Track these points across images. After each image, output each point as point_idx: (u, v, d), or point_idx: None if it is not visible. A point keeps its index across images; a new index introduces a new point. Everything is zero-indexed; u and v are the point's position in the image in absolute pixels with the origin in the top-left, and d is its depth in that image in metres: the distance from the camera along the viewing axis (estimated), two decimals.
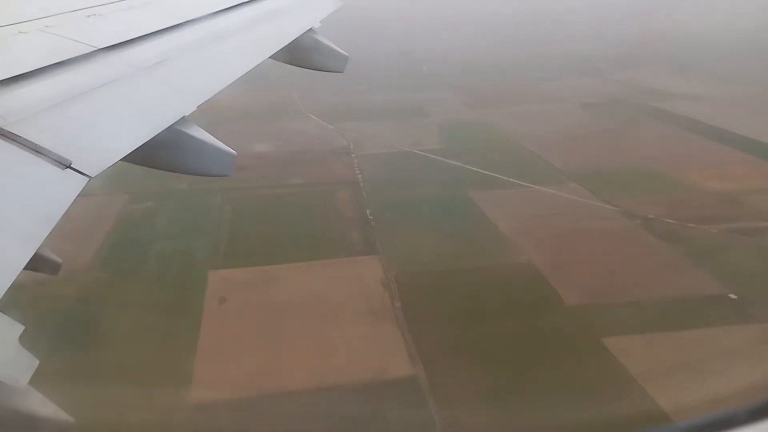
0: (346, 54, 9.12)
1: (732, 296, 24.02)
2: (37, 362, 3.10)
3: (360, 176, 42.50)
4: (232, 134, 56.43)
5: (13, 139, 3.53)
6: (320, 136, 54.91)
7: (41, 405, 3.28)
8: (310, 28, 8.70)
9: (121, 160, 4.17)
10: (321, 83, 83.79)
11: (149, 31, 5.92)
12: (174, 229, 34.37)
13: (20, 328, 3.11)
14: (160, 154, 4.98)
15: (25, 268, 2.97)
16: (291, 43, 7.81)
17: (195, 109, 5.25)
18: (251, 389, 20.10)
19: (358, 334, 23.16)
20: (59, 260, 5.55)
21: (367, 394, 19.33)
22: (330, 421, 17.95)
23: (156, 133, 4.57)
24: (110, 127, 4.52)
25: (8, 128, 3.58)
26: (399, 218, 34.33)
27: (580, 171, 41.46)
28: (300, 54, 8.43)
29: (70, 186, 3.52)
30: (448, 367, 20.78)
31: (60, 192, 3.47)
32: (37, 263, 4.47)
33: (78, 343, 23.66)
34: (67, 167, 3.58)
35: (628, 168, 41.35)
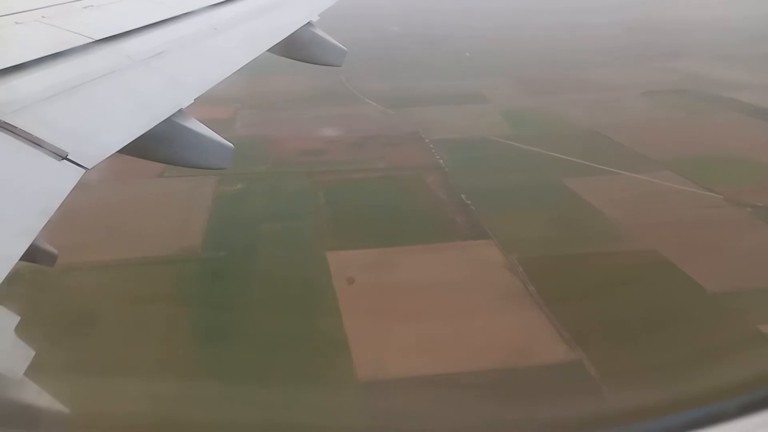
0: (344, 48, 8.87)
1: None
2: (32, 353, 2.98)
3: (441, 161, 41.99)
4: (293, 118, 56.28)
5: (9, 130, 3.41)
6: (384, 121, 54.36)
7: (36, 396, 3.13)
8: (309, 22, 8.43)
9: (118, 151, 4.04)
10: (364, 69, 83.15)
11: (146, 23, 5.72)
12: (274, 211, 34.14)
13: (16, 318, 3.01)
14: (157, 146, 4.81)
15: (21, 260, 2.85)
16: (289, 36, 7.56)
17: (192, 101, 5.03)
18: (413, 370, 19.92)
19: (501, 317, 22.76)
20: (55, 252, 5.36)
21: (534, 379, 19.04)
22: (516, 407, 17.24)
23: (153, 125, 4.42)
24: (107, 119, 4.37)
25: (5, 119, 3.46)
26: (497, 203, 33.87)
27: (669, 158, 40.29)
28: (298, 47, 8.20)
29: (67, 177, 3.40)
30: (608, 351, 20.24)
31: (56, 183, 3.34)
32: (33, 254, 4.30)
33: (235, 319, 23.48)
34: (63, 158, 3.46)
35: (714, 155, 40.23)
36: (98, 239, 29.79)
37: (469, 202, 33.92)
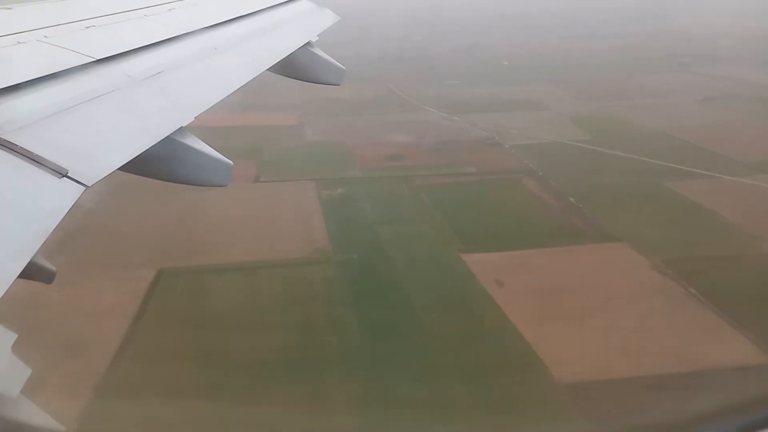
0: (342, 67, 8.72)
1: None
2: (29, 371, 2.90)
3: (531, 166, 41.62)
4: (360, 125, 55.87)
5: (10, 148, 3.34)
6: (453, 127, 54.03)
7: (33, 415, 3.03)
8: (308, 42, 8.32)
9: (118, 169, 3.94)
10: (406, 77, 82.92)
11: (147, 43, 5.62)
12: (385, 214, 33.77)
13: (13, 336, 2.91)
14: (158, 164, 4.70)
15: (19, 277, 2.76)
16: (288, 56, 7.45)
17: (193, 120, 4.91)
18: (609, 372, 19.42)
19: (674, 319, 22.49)
20: (53, 269, 5.23)
21: (736, 379, 19.05)
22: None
23: (153, 143, 4.32)
24: (108, 137, 4.27)
25: (5, 137, 3.39)
26: (608, 206, 33.53)
27: (755, 160, 40.44)
28: (297, 67, 8.08)
29: (67, 195, 3.33)
30: None
31: (56, 201, 3.27)
32: (31, 272, 4.15)
33: (401, 320, 22.97)
34: (63, 176, 3.40)
35: None
36: (230, 241, 29.34)
37: (581, 205, 33.55)
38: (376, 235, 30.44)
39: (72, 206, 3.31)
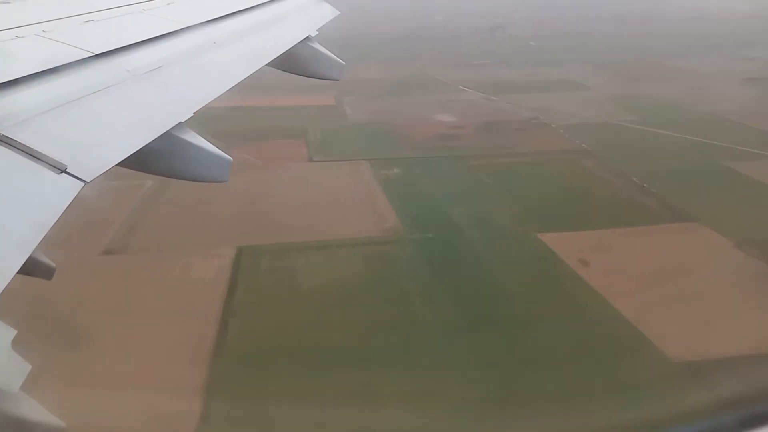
0: (342, 62, 8.63)
1: None
2: (29, 367, 2.83)
3: (584, 146, 41.14)
4: (401, 105, 55.16)
5: (8, 143, 3.29)
6: (495, 107, 53.40)
7: (33, 410, 2.99)
8: (307, 36, 8.18)
9: (117, 164, 3.87)
10: (434, 57, 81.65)
11: (146, 38, 5.53)
12: (448, 193, 33.39)
13: (12, 332, 2.85)
14: (157, 159, 4.62)
15: (18, 272, 2.72)
16: (287, 51, 7.33)
17: (192, 115, 4.83)
18: (723, 350, 19.32)
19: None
20: (53, 264, 5.16)
21: None
22: None
23: (152, 139, 4.25)
24: (106, 132, 4.20)
25: (4, 132, 3.34)
26: (674, 186, 33.10)
27: None
28: (297, 62, 7.96)
29: (65, 190, 3.27)
30: None
31: (55, 196, 3.22)
32: (31, 267, 4.09)
33: (494, 297, 22.79)
34: (62, 171, 3.34)
35: None
36: (299, 220, 29.21)
37: (645, 185, 33.20)
38: (445, 214, 30.11)
39: (71, 202, 3.25)
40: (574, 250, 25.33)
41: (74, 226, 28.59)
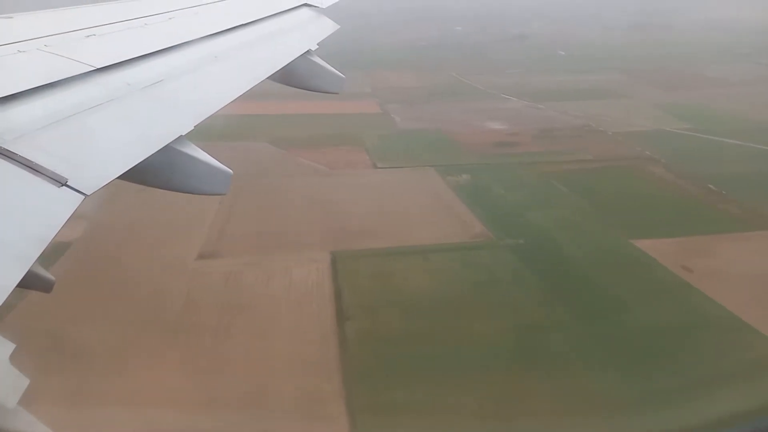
0: (342, 76, 8.61)
1: None
2: (27, 382, 2.81)
3: (648, 153, 41.13)
4: (448, 112, 55.30)
5: (9, 157, 3.27)
6: (543, 115, 53.39)
7: (30, 426, 2.96)
8: (308, 50, 8.18)
9: (117, 178, 3.84)
10: (465, 66, 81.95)
11: (147, 52, 5.51)
12: (524, 199, 33.17)
13: (11, 346, 2.80)
14: (157, 172, 4.59)
15: (18, 286, 2.70)
16: (288, 64, 7.33)
17: (192, 128, 4.80)
18: None
19: None
20: (52, 278, 5.07)
21: None
22: None
23: (153, 152, 4.23)
24: (107, 146, 4.17)
25: (5, 146, 3.32)
26: (754, 193, 32.74)
27: None
28: (297, 75, 7.94)
29: (65, 204, 3.26)
30: None
31: (55, 209, 3.20)
32: (30, 281, 4.04)
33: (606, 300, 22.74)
34: (63, 185, 3.33)
35: None
36: (384, 225, 29.21)
37: (724, 192, 33.11)
38: (529, 220, 30.00)
39: (72, 215, 3.22)
40: (674, 257, 25.09)
41: (160, 230, 28.68)
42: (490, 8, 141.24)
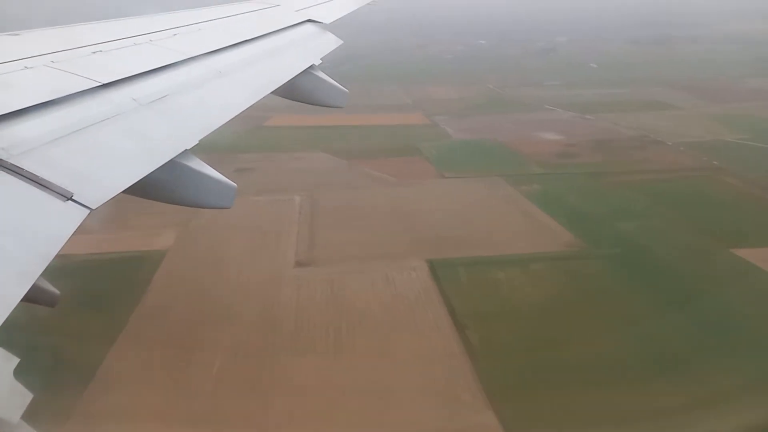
0: (345, 90, 8.54)
1: None
2: (30, 396, 2.79)
3: (716, 163, 40.80)
4: (499, 124, 55.22)
5: (15, 172, 3.26)
6: (595, 126, 53.00)
7: None
8: (311, 65, 8.12)
9: (123, 192, 3.79)
10: (500, 78, 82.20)
11: (153, 67, 5.49)
12: (608, 209, 32.73)
13: (15, 361, 2.78)
14: (162, 186, 4.54)
15: (22, 300, 2.66)
16: (291, 79, 7.29)
17: (197, 143, 4.73)
18: None
19: None
20: (57, 292, 5.02)
21: None
22: None
23: (158, 166, 4.20)
24: (113, 160, 4.14)
25: (11, 160, 3.31)
26: None
27: None
28: (300, 90, 7.90)
29: (71, 218, 3.22)
30: None
31: (61, 224, 3.17)
32: (35, 295, 4.02)
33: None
34: (68, 199, 3.31)
35: None
36: (470, 234, 28.97)
37: None
38: (619, 230, 29.57)
39: (76, 229, 3.16)
40: None
41: (247, 239, 28.54)
42: (507, 23, 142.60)
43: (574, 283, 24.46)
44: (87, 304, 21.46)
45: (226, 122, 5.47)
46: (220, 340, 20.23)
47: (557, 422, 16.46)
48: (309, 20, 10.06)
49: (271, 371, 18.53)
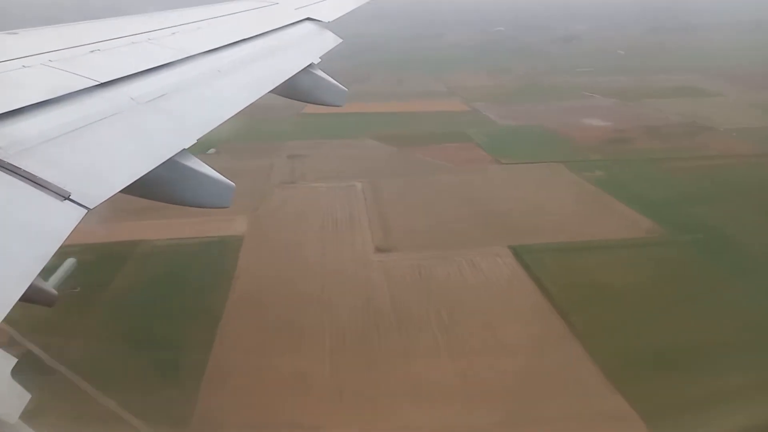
0: (344, 89, 8.47)
1: None
2: (28, 396, 2.75)
3: None
4: (543, 111, 54.20)
5: (13, 171, 3.25)
6: (639, 112, 51.76)
7: None
8: (310, 64, 8.08)
9: (120, 191, 3.76)
10: (530, 66, 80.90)
11: (151, 66, 5.47)
12: (677, 195, 31.99)
13: (12, 361, 2.76)
14: (160, 185, 4.53)
15: (20, 300, 2.64)
16: (290, 78, 7.27)
17: (195, 142, 4.69)
18: None
19: None
20: (54, 292, 4.96)
21: None
22: None
23: (156, 166, 4.18)
24: (111, 160, 4.13)
25: (9, 160, 3.31)
26: None
27: None
28: (299, 89, 7.87)
29: (68, 218, 3.21)
30: None
31: (58, 224, 3.14)
32: (32, 295, 3.96)
33: None
34: (66, 199, 3.30)
35: None
36: (543, 220, 28.49)
37: None
38: (697, 215, 28.96)
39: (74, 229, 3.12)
40: None
41: (320, 225, 28.11)
42: (521, 10, 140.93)
43: (665, 268, 23.95)
44: (179, 291, 21.40)
45: (223, 121, 5.42)
46: (324, 324, 19.94)
47: (688, 406, 16.10)
48: (308, 18, 10.03)
49: (385, 352, 18.27)
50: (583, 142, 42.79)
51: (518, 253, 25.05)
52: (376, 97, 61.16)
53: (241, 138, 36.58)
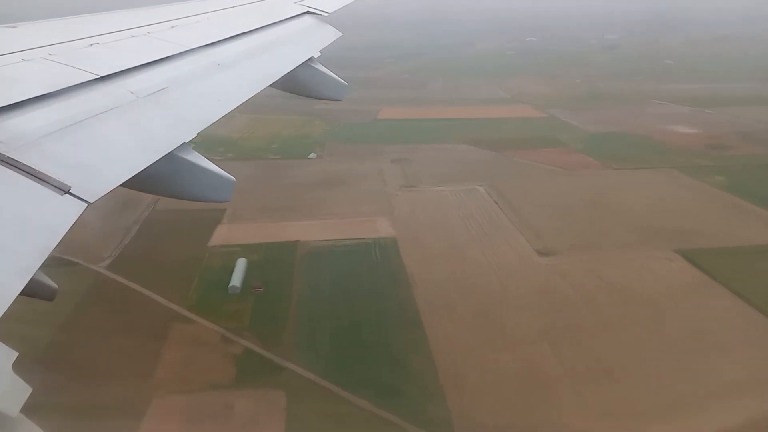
0: (345, 83, 8.29)
1: None
2: (29, 390, 2.69)
3: None
4: (620, 116, 53.38)
5: (14, 165, 3.21)
6: (720, 120, 51.15)
7: None
8: (310, 58, 7.90)
9: (120, 185, 3.68)
10: (581, 74, 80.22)
11: (151, 60, 5.35)
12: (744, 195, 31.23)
13: (14, 354, 2.69)
14: (160, 179, 4.44)
15: (20, 294, 2.62)
16: (290, 72, 7.10)
17: (195, 135, 4.57)
18: None
19: None
20: (55, 286, 4.89)
21: None
22: None
23: (156, 160, 4.10)
24: (111, 154, 4.04)
25: (9, 154, 3.26)
26: None
27: None
28: (299, 83, 7.74)
29: (68, 211, 3.16)
30: None
31: (58, 218, 3.09)
32: (33, 289, 3.89)
33: None
34: (66, 193, 3.25)
35: None
36: (696, 226, 27.59)
37: None
38: None
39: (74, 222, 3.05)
40: None
41: (467, 228, 27.31)
42: (541, 18, 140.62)
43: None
44: (362, 292, 21.59)
45: (223, 115, 5.33)
46: (532, 325, 19.17)
47: None
48: (308, 12, 9.85)
49: (615, 349, 17.41)
50: (681, 147, 42.07)
51: (689, 257, 24.16)
52: (447, 101, 60.81)
53: (332, 142, 35.83)
